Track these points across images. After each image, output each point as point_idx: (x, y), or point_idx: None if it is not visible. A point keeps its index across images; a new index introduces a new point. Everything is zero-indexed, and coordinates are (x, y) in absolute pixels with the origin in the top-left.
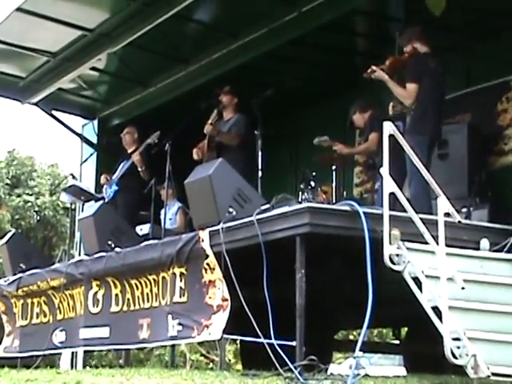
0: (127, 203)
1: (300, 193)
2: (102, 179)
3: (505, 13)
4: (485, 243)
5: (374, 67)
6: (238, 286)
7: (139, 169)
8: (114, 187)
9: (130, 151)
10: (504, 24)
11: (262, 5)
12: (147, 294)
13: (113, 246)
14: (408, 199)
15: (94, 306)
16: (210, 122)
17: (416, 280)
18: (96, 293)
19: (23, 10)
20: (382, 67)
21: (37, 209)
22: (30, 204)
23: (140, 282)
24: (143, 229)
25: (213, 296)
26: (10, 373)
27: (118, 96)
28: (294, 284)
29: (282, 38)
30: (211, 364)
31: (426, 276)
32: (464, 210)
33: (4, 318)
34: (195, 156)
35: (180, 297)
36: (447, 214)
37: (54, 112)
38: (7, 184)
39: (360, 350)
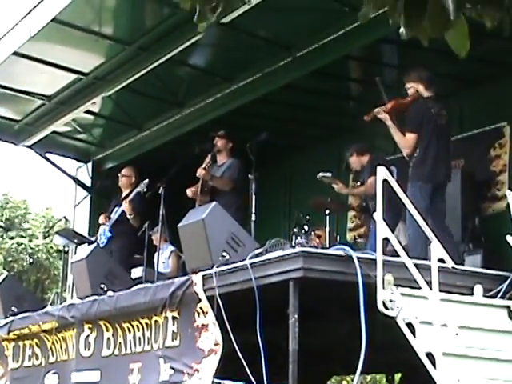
0: (121, 247)
1: (293, 237)
2: (101, 219)
3: (498, 61)
4: (478, 289)
5: (378, 109)
6: (230, 329)
7: (128, 216)
8: (108, 233)
9: (124, 194)
10: (497, 71)
11: (256, 50)
12: (139, 337)
13: (105, 289)
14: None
15: (85, 349)
16: (203, 166)
17: (410, 325)
18: (88, 336)
19: (19, 53)
20: (383, 109)
21: (30, 251)
22: (23, 246)
23: (132, 326)
24: (136, 272)
25: (205, 340)
26: None
27: (113, 139)
28: (287, 328)
29: (277, 83)
30: None
31: (420, 322)
32: None
33: None
34: (189, 193)
35: (172, 340)
36: (441, 260)
37: (48, 155)
38: (1, 227)
39: None
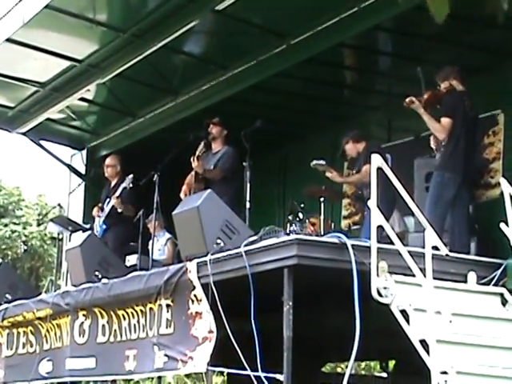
0: (116, 236)
1: (288, 224)
2: (94, 212)
3: (492, 49)
4: (472, 276)
5: (413, 98)
6: (225, 317)
7: (119, 210)
8: (103, 226)
9: (113, 184)
10: (491, 60)
11: (251, 37)
12: (134, 325)
13: (100, 276)
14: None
15: (80, 336)
16: (197, 154)
17: (404, 313)
18: (82, 323)
19: (13, 40)
20: (419, 99)
21: (24, 239)
22: (17, 234)
23: (127, 313)
24: (130, 260)
25: (199, 328)
26: None
27: (107, 127)
28: (281, 316)
29: (271, 70)
30: None
31: (414, 309)
32: None
33: None
34: (183, 196)
35: (166, 328)
36: (435, 247)
37: (42, 142)
38: None
39: (347, 383)
